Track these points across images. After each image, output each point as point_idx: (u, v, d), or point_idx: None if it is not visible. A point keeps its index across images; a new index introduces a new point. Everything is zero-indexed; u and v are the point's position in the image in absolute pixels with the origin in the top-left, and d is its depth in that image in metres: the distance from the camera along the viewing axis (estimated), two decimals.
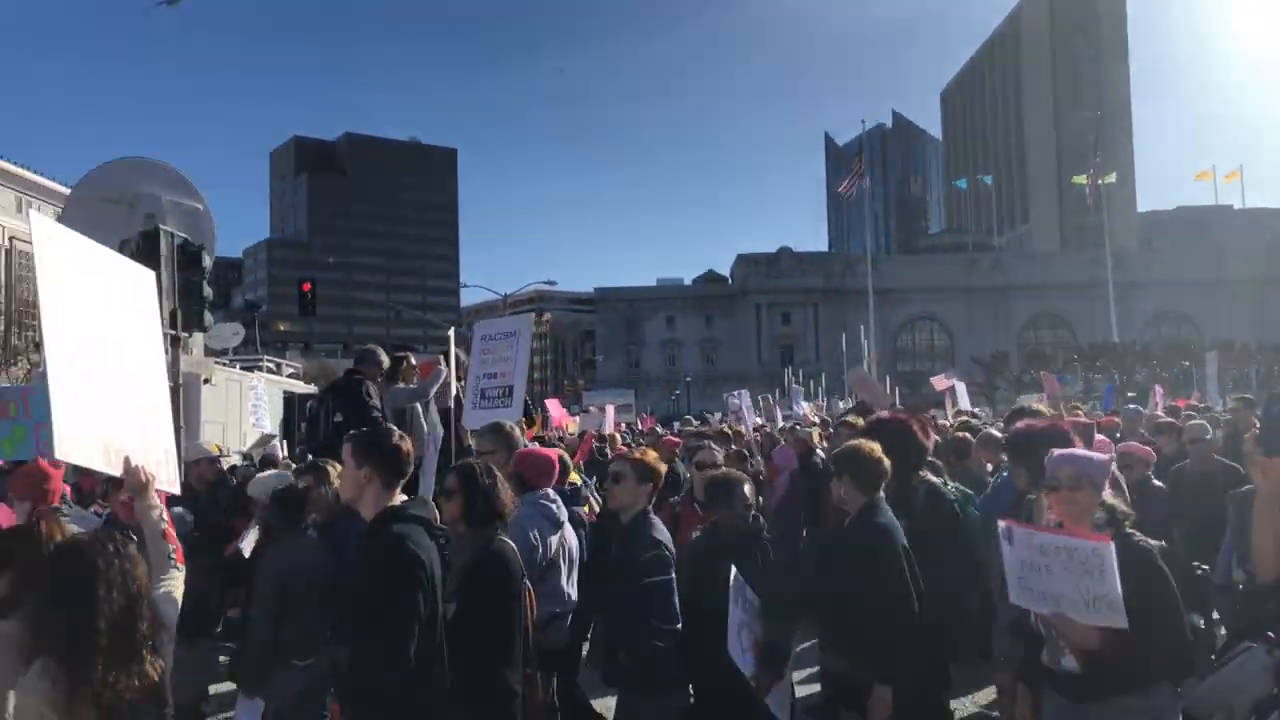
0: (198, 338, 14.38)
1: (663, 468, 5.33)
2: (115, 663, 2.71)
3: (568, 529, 5.44)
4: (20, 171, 69.77)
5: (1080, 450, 4.03)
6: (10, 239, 65.71)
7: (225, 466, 10.18)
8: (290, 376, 18.83)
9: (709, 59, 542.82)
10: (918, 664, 4.44)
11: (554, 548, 5.23)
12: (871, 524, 4.60)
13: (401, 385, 8.55)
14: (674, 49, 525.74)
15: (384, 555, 3.57)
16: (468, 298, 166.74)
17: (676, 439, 13.71)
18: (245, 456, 12.82)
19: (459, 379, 8.81)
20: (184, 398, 10.39)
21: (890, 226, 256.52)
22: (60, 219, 15.29)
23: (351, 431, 3.93)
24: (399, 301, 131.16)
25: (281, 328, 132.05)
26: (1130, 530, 3.71)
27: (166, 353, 10.86)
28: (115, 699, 2.68)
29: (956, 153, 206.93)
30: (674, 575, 4.97)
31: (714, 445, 8.35)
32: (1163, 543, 4.01)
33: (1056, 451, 3.90)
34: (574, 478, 7.23)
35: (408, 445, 3.84)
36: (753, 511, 5.46)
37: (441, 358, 9.45)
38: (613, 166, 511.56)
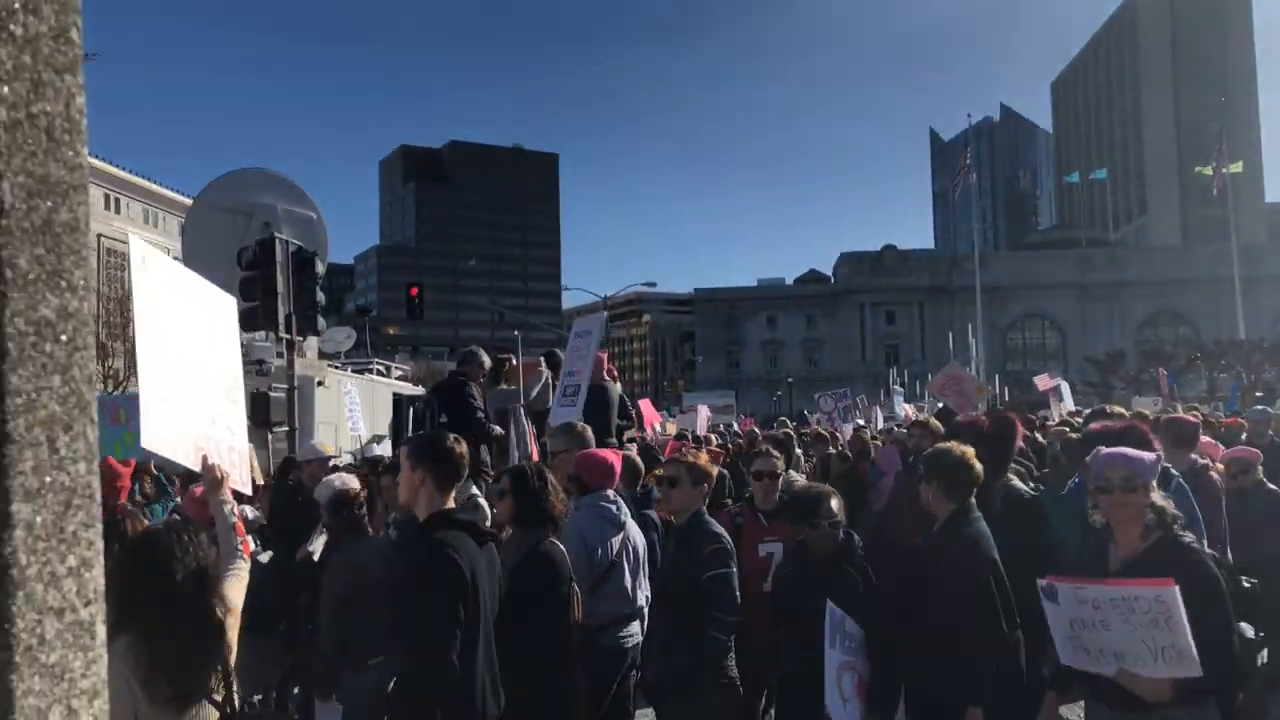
0: (311, 341, 14.89)
1: (714, 470, 5.27)
2: (188, 641, 2.98)
3: (633, 529, 5.32)
4: (147, 184, 73.38)
5: (1129, 450, 3.73)
6: None
7: (335, 465, 10.50)
8: (399, 378, 19.34)
9: (809, 54, 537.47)
10: (1010, 683, 4.13)
11: (615, 549, 5.14)
12: (959, 532, 4.32)
13: (504, 386, 8.70)
14: (774, 43, 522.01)
15: (423, 562, 3.67)
16: (569, 300, 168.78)
17: (718, 450, 13.77)
18: (354, 456, 13.21)
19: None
20: (298, 399, 10.77)
21: (998, 223, 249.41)
22: (183, 229, 16.04)
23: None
24: (502, 304, 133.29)
25: (391, 331, 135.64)
26: (1180, 532, 3.49)
27: (280, 356, 11.26)
28: (187, 675, 2.95)
29: (1068, 145, 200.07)
30: (734, 568, 4.95)
31: (773, 452, 8.11)
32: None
33: (1104, 451, 3.67)
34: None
35: (462, 448, 3.92)
36: (841, 527, 5.08)
37: (543, 359, 9.58)
38: (712, 166, 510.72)
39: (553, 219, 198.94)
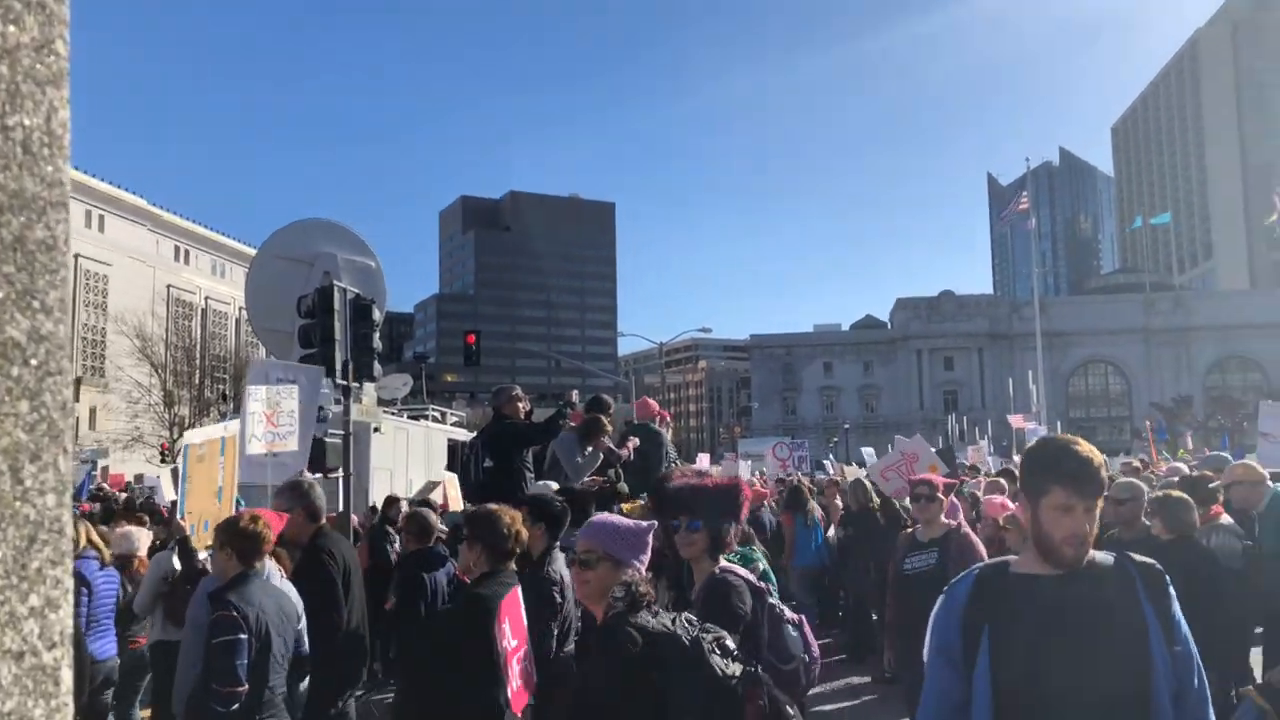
0: (368, 388, 15.17)
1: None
2: None
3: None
4: (214, 236, 75.51)
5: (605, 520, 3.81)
6: (206, 299, 71.13)
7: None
8: (454, 424, 19.58)
9: (863, 97, 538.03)
10: None
11: None
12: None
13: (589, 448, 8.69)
14: (827, 88, 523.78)
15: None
16: (625, 347, 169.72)
17: (765, 490, 13.87)
18: (412, 502, 13.39)
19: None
20: (354, 446, 10.97)
21: (1059, 267, 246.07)
22: (248, 278, 16.51)
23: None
24: (559, 351, 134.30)
25: (449, 378, 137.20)
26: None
27: (338, 404, 11.45)
28: None
29: (1130, 189, 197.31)
30: None
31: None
32: None
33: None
34: None
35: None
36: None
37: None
38: (766, 212, 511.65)
39: (609, 266, 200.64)
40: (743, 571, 3.87)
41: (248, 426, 7.82)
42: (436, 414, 19.81)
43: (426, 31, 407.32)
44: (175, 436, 45.38)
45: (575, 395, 9.40)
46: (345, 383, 10.26)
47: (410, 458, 16.57)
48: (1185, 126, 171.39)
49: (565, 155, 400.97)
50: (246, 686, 4.44)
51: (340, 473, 10.24)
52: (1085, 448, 2.60)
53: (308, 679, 5.10)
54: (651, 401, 10.66)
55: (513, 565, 4.61)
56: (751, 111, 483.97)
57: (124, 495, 21.82)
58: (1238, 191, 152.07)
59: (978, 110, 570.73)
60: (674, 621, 3.04)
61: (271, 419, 7.98)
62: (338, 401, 11.72)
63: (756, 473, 20.28)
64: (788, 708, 3.28)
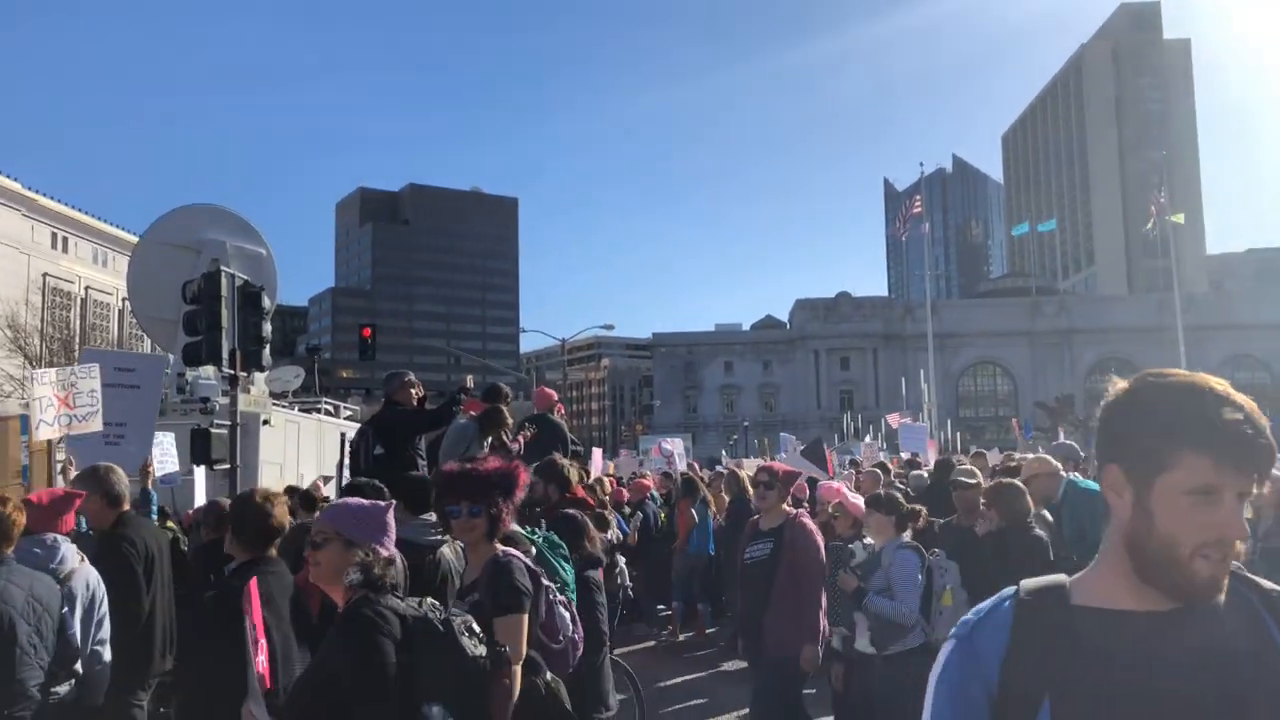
0: (258, 379, 14.66)
1: None
2: None
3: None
4: (96, 223, 72.29)
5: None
6: (87, 289, 68.04)
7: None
8: (347, 418, 19.10)
9: (766, 103, 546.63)
10: None
11: None
12: None
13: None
14: (732, 93, 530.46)
15: None
16: (527, 344, 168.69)
17: (648, 482, 14.23)
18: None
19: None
20: (242, 437, 10.57)
21: (951, 271, 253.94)
22: (130, 265, 15.79)
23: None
24: (460, 348, 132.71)
25: (345, 374, 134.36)
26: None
27: (225, 394, 11.02)
28: None
29: (1018, 196, 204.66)
30: None
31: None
32: None
33: None
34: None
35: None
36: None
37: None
38: (670, 213, 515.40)
39: (511, 262, 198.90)
40: (518, 554, 3.96)
41: (35, 412, 7.43)
42: (330, 407, 19.30)
43: (330, 14, 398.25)
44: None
45: (471, 381, 9.20)
46: (232, 372, 9.88)
47: (301, 452, 16.07)
48: (1070, 137, 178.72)
49: (468, 149, 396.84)
50: None
51: (226, 465, 9.86)
52: (1241, 397, 1.52)
53: (84, 673, 4.74)
54: (550, 391, 10.58)
55: (273, 552, 4.38)
56: (658, 115, 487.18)
57: None
58: (1117, 200, 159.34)
59: (875, 117, 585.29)
60: (421, 604, 3.06)
61: (66, 401, 7.59)
62: (225, 392, 11.30)
63: (648, 468, 20.47)
64: (553, 685, 3.56)
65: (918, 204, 53.87)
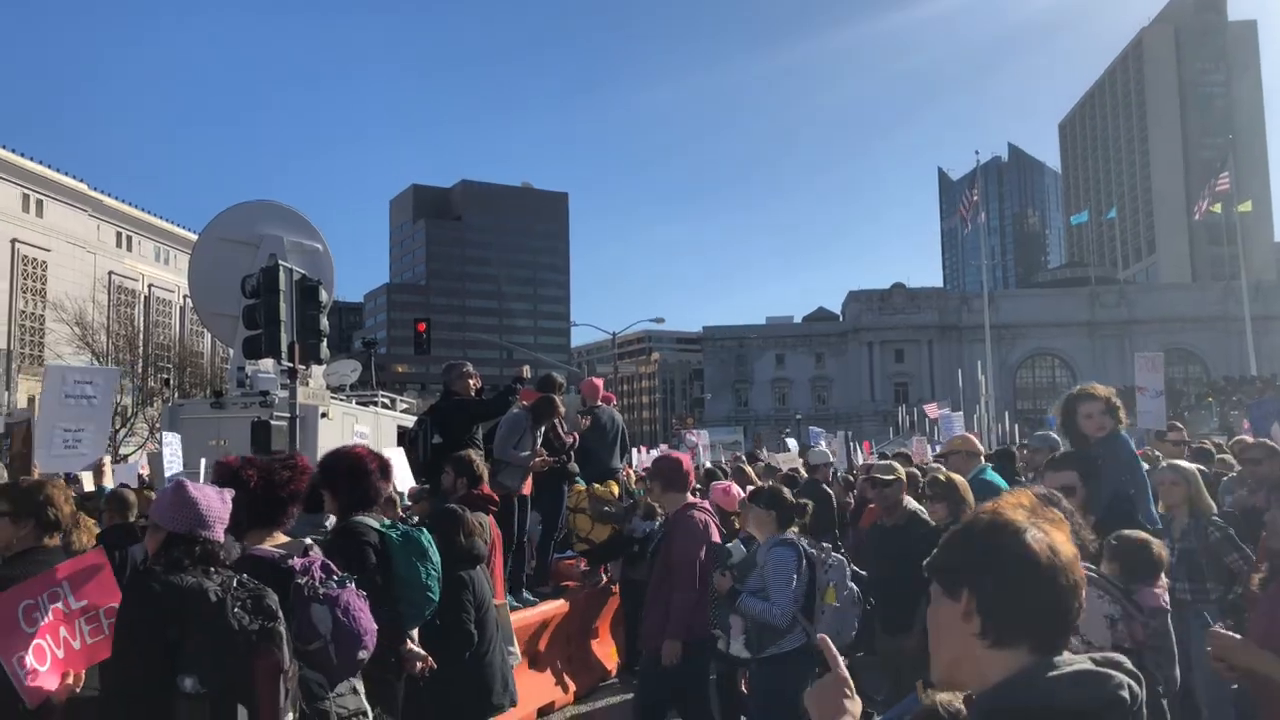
0: (316, 372, 14.85)
1: None
2: None
3: None
4: (158, 222, 73.86)
5: None
6: (150, 286, 69.63)
7: None
8: (404, 412, 19.26)
9: (817, 93, 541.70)
10: None
11: None
12: None
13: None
14: (783, 79, 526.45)
15: None
16: (578, 337, 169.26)
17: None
18: None
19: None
20: (301, 430, 10.69)
21: (1008, 261, 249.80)
22: (191, 261, 16.06)
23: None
24: (512, 342, 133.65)
25: (400, 369, 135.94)
26: None
27: (284, 388, 11.17)
28: None
29: (1076, 184, 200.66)
30: None
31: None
32: None
33: None
34: None
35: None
36: None
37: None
38: (721, 205, 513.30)
39: (562, 257, 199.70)
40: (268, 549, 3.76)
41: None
42: (386, 401, 19.49)
43: (386, 17, 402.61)
44: (117, 426, 44.38)
45: (527, 371, 9.23)
46: (291, 365, 10.01)
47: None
48: (1130, 123, 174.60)
49: (518, 145, 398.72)
50: None
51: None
52: None
53: None
54: (597, 381, 10.57)
55: (55, 541, 4.27)
56: (708, 106, 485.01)
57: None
58: (1180, 187, 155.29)
59: (929, 106, 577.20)
60: (209, 576, 3.16)
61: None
62: (284, 385, 11.44)
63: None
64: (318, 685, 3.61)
65: (975, 196, 53.03)
